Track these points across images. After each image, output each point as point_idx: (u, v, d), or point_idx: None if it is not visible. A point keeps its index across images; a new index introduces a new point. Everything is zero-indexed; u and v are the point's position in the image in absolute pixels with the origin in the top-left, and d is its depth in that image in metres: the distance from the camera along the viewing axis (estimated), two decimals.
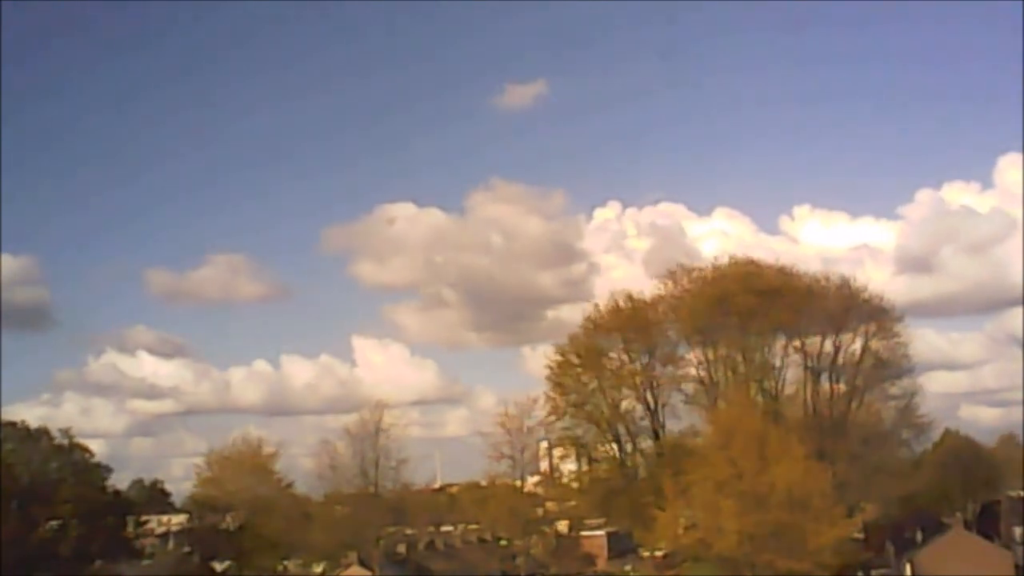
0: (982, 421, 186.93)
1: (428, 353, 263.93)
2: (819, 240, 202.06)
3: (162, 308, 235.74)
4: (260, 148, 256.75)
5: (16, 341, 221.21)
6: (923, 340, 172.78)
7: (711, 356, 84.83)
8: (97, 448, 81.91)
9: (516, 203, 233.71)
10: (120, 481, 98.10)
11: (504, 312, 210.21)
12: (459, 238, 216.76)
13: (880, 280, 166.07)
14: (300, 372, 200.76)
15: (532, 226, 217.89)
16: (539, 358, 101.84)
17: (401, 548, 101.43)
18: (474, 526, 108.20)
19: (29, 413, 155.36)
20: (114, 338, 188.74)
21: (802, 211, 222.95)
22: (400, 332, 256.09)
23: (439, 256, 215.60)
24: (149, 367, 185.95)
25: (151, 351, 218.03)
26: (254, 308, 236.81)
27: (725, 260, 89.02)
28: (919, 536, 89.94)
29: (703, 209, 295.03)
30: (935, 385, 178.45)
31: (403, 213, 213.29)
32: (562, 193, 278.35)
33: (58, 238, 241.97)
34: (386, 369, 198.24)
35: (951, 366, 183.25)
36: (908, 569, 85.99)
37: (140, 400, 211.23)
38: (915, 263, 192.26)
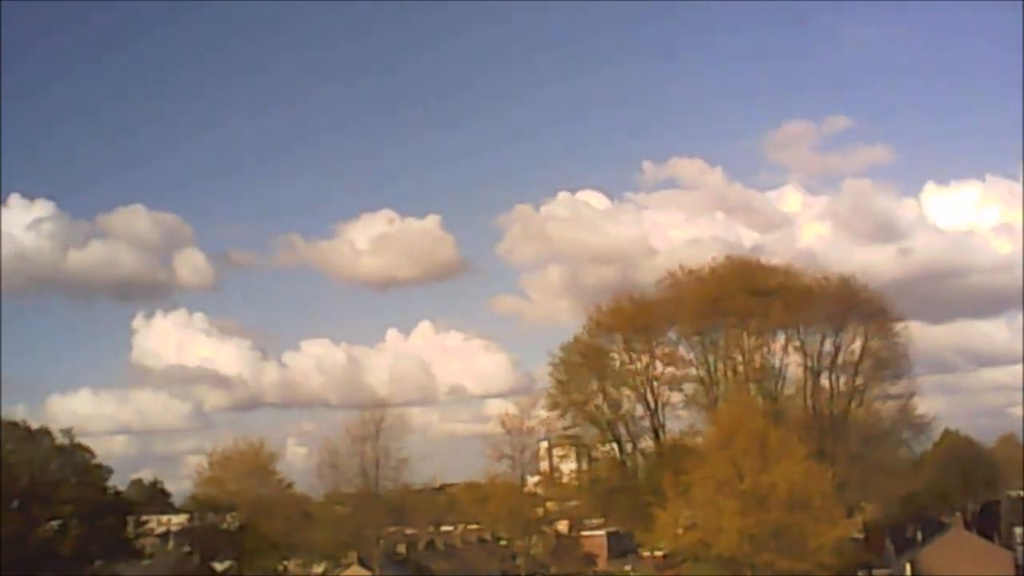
0: None
1: (515, 342, 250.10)
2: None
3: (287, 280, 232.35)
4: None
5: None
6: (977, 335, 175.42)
7: (711, 356, 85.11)
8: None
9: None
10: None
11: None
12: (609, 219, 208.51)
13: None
14: (376, 363, 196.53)
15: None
16: None
17: (401, 548, 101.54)
18: (474, 526, 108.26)
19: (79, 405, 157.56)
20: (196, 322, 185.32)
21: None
22: (500, 322, 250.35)
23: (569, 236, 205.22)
24: (213, 355, 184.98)
25: (229, 336, 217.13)
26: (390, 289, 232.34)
27: (723, 260, 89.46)
28: (919, 536, 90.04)
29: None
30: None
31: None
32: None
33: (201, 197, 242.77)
34: (470, 362, 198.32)
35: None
36: (908, 569, 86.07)
37: (202, 389, 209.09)
38: None
